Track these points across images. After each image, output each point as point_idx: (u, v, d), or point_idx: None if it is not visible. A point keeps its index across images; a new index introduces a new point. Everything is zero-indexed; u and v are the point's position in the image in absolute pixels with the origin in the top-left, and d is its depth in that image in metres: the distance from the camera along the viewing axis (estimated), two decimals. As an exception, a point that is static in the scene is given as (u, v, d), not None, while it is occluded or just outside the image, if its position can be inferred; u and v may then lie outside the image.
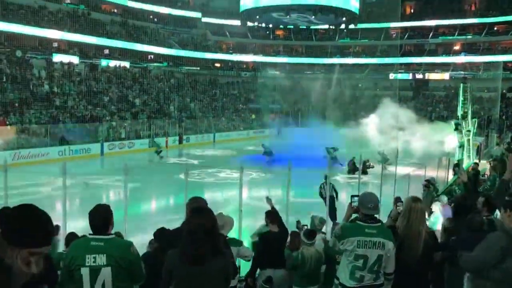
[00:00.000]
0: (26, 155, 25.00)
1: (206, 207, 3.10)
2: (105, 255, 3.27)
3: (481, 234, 3.51)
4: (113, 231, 3.59)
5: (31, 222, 1.83)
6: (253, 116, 47.79)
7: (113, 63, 44.51)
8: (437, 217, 8.23)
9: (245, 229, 8.30)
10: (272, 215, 6.22)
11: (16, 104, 29.71)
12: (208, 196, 16.89)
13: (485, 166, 17.65)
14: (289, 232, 6.26)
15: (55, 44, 41.47)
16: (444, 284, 4.42)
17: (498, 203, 4.32)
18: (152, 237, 5.72)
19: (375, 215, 3.95)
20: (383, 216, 5.01)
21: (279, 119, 44.64)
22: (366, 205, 3.89)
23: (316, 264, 5.49)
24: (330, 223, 9.03)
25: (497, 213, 4.52)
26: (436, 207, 9.00)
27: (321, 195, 12.44)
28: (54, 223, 2.16)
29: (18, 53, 35.89)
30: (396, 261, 3.87)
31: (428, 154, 24.21)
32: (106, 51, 45.78)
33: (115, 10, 50.13)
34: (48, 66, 37.13)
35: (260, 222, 7.14)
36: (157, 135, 34.27)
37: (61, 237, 6.32)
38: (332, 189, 12.31)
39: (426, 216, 5.31)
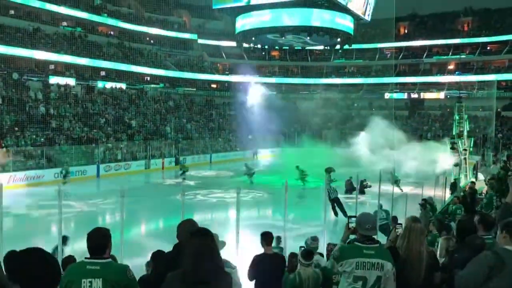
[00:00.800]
0: (22, 177, 24.90)
1: (205, 228, 3.04)
2: (101, 279, 3.23)
3: None
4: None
5: (38, 267, 1.82)
6: (250, 137, 47.73)
7: (109, 84, 44.52)
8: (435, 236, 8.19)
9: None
10: (268, 237, 6.05)
11: (16, 128, 29.65)
12: (204, 217, 16.86)
13: (482, 185, 17.65)
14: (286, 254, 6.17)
15: (52, 66, 41.61)
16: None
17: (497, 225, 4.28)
18: (149, 260, 5.67)
19: (373, 236, 3.93)
20: (381, 237, 4.98)
21: (275, 139, 44.61)
22: (363, 226, 3.86)
23: (314, 286, 5.41)
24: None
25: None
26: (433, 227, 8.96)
27: (329, 197, 15.84)
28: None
29: (15, 76, 35.99)
30: (397, 282, 3.83)
31: (424, 173, 24.26)
32: (103, 73, 45.87)
33: (112, 32, 50.46)
34: (44, 88, 37.17)
35: (256, 243, 7.05)
36: (154, 156, 34.25)
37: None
38: (335, 191, 16.90)
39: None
